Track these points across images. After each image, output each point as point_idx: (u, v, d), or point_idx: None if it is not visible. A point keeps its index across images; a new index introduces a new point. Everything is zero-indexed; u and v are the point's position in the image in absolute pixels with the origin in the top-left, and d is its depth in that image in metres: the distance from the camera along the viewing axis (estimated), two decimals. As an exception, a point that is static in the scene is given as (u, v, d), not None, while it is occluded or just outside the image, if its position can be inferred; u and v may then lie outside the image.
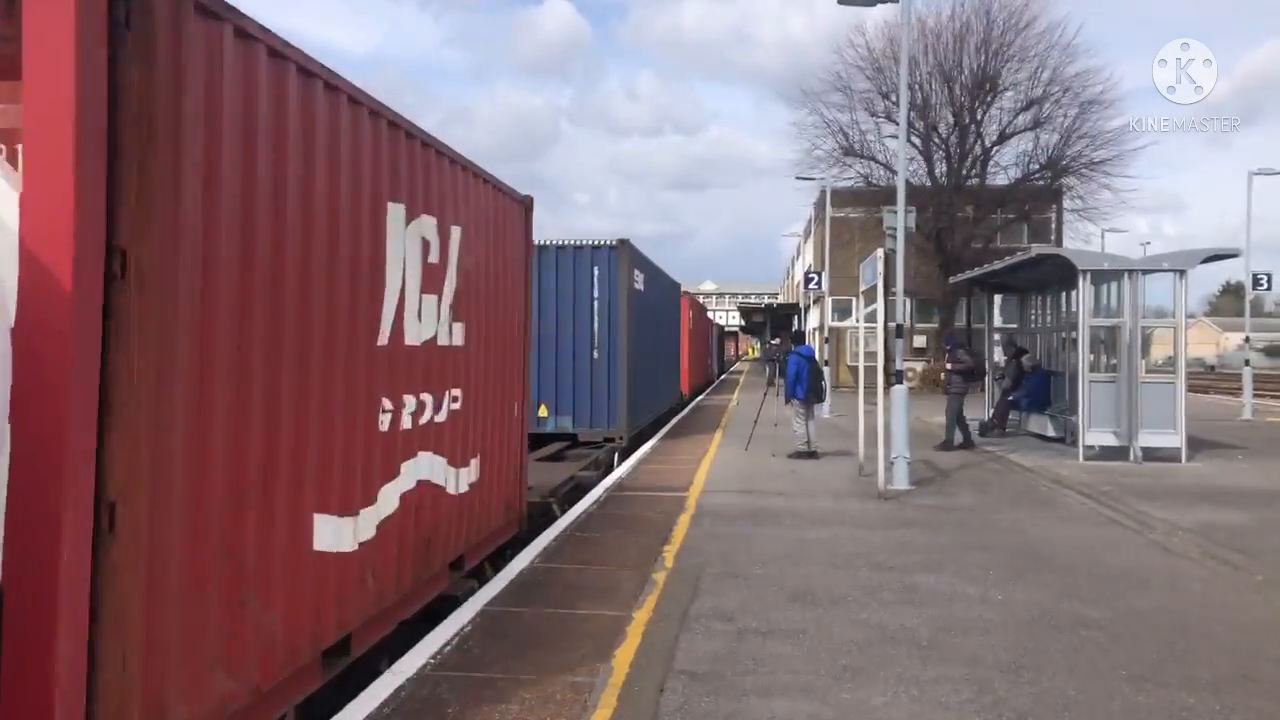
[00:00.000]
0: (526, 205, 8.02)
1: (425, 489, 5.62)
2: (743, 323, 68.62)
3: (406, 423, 5.29)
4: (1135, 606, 6.17)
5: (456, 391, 6.18)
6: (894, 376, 11.59)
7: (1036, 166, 34.91)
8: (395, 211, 5.11)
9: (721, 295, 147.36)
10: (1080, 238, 35.49)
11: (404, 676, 4.83)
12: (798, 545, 7.98)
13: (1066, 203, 35.56)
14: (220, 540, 3.50)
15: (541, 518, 9.25)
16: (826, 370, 17.94)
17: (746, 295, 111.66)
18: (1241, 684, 4.79)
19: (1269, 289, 24.65)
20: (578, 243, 14.26)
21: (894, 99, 30.55)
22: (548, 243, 13.85)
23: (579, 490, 11.26)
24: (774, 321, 47.47)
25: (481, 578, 7.03)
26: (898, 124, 15.55)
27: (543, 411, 13.60)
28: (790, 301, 50.80)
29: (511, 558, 7.64)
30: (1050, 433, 15.71)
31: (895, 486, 10.75)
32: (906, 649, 5.29)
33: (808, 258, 48.14)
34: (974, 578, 6.89)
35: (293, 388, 4.04)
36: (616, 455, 14.20)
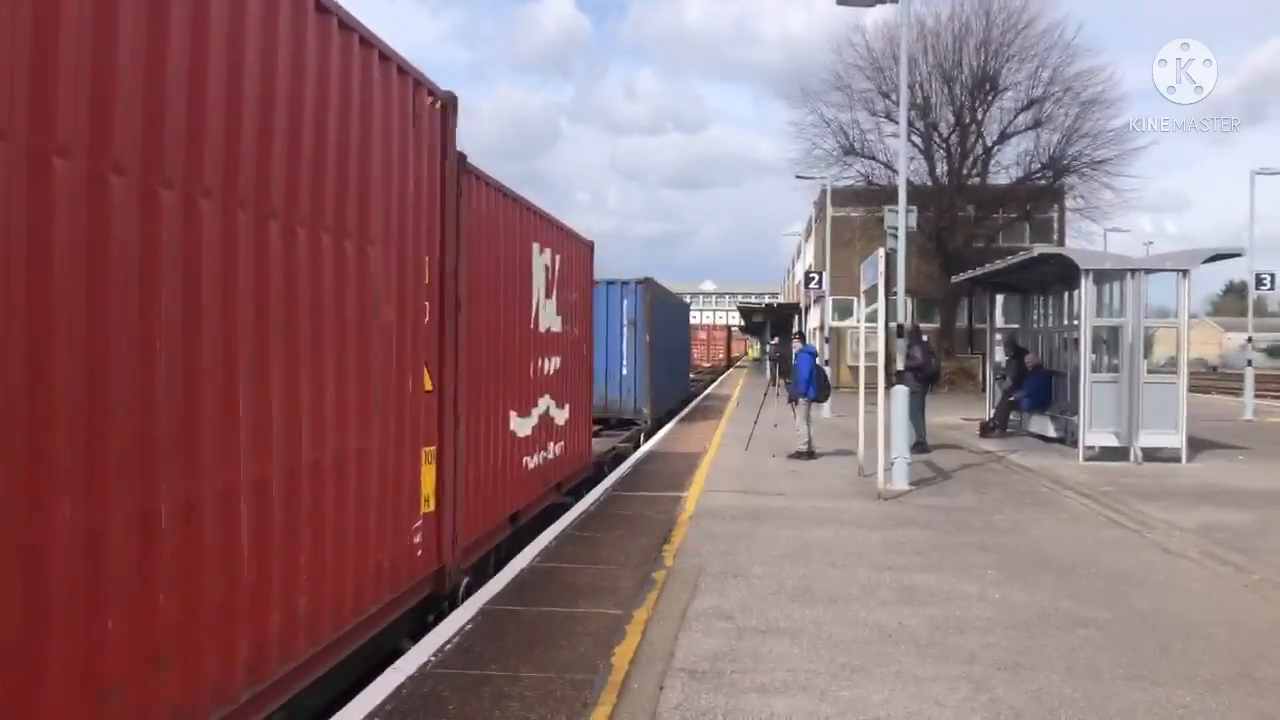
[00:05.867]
0: (590, 245, 11.57)
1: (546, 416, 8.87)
2: (743, 322, 66.93)
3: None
4: (1134, 606, 6.19)
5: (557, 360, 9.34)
6: (894, 376, 11.60)
7: (1038, 166, 34.95)
8: (535, 246, 8.62)
9: (722, 295, 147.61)
10: (1083, 237, 35.58)
11: (405, 674, 4.85)
12: (797, 545, 7.99)
13: (1069, 202, 35.65)
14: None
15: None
16: (827, 369, 17.96)
17: (747, 295, 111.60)
18: (1240, 683, 4.81)
19: (1272, 289, 24.63)
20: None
21: (894, 98, 30.56)
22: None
23: (619, 457, 14.42)
24: (774, 321, 47.37)
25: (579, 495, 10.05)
26: (898, 123, 15.56)
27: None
28: (791, 301, 50.75)
29: (584, 496, 10.17)
30: (1051, 433, 15.71)
31: (895, 487, 10.76)
32: (905, 647, 5.30)
33: (808, 257, 48.17)
34: (973, 577, 6.91)
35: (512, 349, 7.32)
36: (642, 435, 17.49)
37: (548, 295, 9.16)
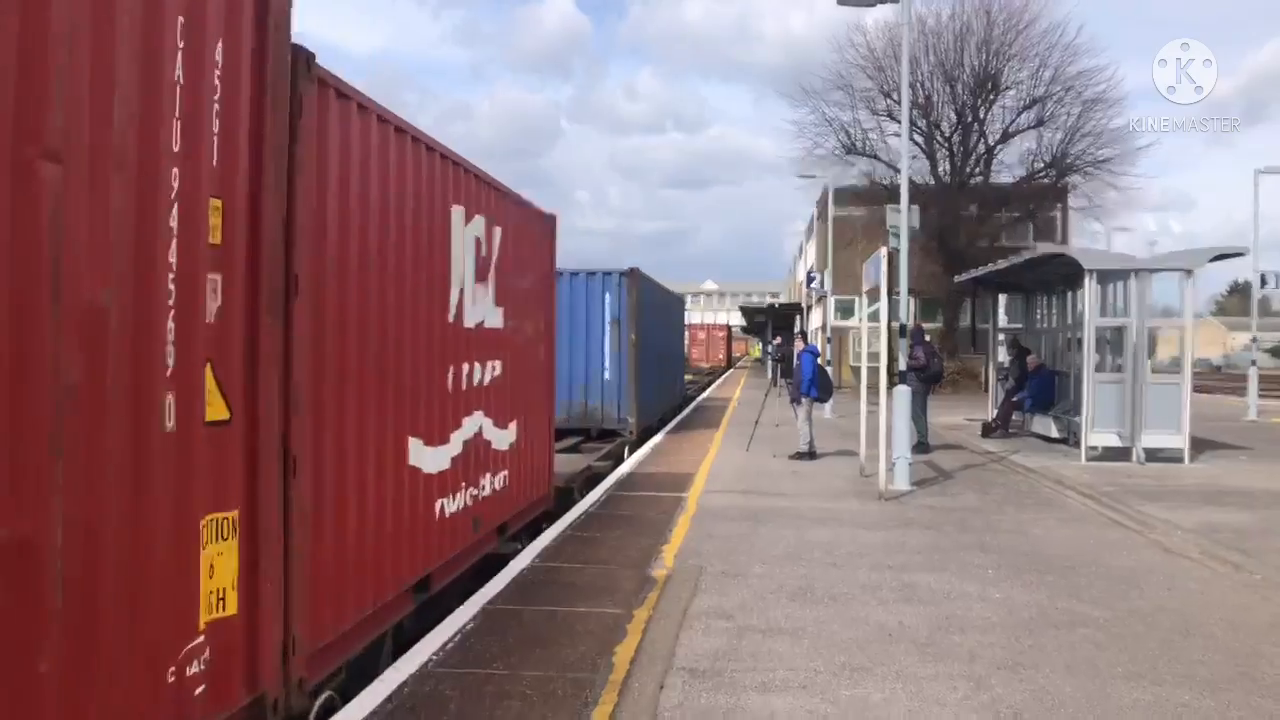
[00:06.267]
0: (551, 220, 9.35)
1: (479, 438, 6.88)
2: (745, 322, 66.98)
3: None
4: (1134, 606, 6.19)
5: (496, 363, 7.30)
6: (896, 376, 11.61)
7: (1041, 165, 34.89)
8: (457, 212, 6.38)
9: (723, 295, 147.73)
10: (1086, 236, 35.53)
11: (406, 673, 4.87)
12: (798, 545, 8.00)
13: (1072, 201, 35.55)
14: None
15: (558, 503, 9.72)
16: (829, 369, 18.00)
17: (748, 295, 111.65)
18: (1240, 682, 4.81)
19: (1276, 288, 24.61)
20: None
21: (895, 97, 30.54)
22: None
23: (595, 478, 12.07)
24: (776, 322, 47.34)
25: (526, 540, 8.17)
26: (900, 122, 15.57)
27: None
28: (793, 301, 50.75)
29: (543, 531, 8.59)
30: (1054, 434, 15.69)
31: (896, 487, 10.76)
32: (905, 647, 5.31)
33: (810, 257, 48.17)
34: (974, 577, 6.91)
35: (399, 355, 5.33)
36: (627, 449, 15.28)
37: (480, 279, 6.83)
